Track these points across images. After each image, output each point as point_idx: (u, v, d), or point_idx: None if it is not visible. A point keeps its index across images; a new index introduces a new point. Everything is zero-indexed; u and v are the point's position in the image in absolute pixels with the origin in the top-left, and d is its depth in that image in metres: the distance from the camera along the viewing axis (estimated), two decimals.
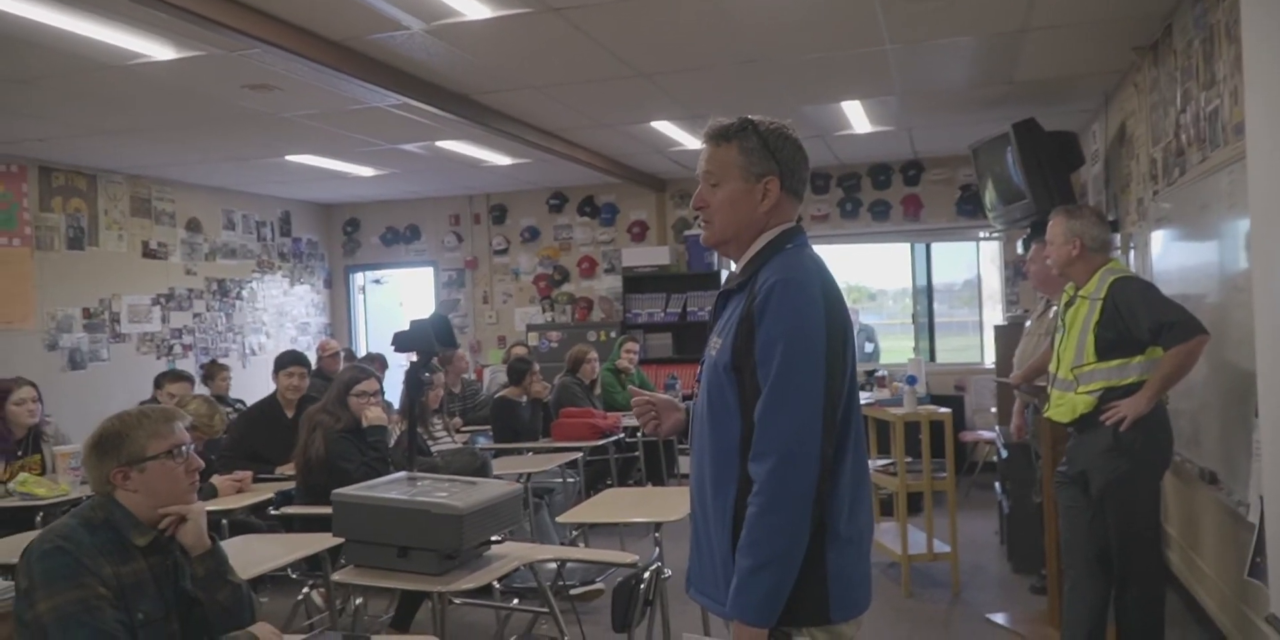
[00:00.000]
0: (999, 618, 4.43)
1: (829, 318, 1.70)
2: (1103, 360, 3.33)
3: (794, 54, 4.99)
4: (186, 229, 8.26)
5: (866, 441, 1.91)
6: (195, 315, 8.31)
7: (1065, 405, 3.44)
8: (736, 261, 1.90)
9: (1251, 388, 3.23)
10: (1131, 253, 5.60)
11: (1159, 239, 4.93)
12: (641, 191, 9.06)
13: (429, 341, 3.17)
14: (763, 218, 1.86)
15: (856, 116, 6.60)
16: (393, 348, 3.30)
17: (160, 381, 5.83)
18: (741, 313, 1.76)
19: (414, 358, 3.46)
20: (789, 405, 1.66)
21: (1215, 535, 3.98)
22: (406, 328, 3.28)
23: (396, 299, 10.42)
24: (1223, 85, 3.72)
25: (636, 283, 9.00)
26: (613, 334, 8.69)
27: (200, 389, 6.29)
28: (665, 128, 6.70)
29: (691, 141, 7.20)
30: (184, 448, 2.19)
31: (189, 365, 7.68)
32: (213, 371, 6.81)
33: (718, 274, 8.81)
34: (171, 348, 8.02)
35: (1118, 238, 5.70)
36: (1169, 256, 4.75)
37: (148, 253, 7.86)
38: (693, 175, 8.52)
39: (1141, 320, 3.21)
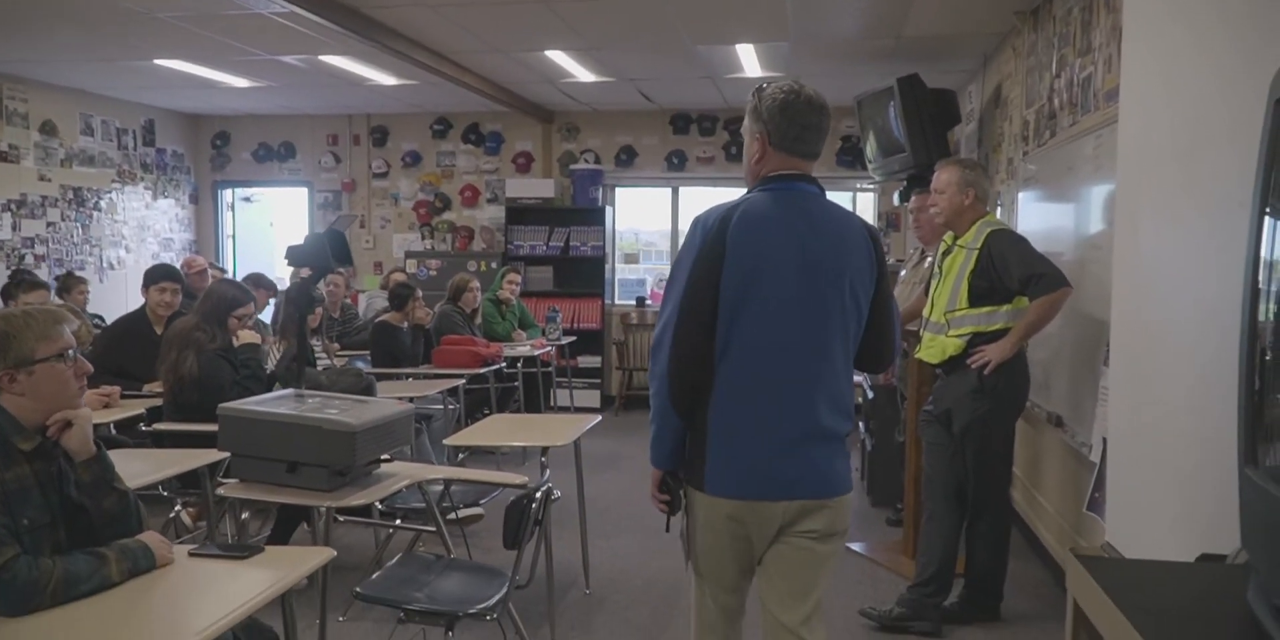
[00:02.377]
0: (858, 547, 4.70)
1: (704, 247, 2.11)
2: (974, 306, 3.53)
3: None
4: (41, 132, 7.72)
5: (796, 368, 2.16)
6: (49, 224, 7.82)
7: (936, 347, 3.64)
8: None
9: (1101, 338, 3.50)
10: (999, 210, 5.89)
11: (1025, 198, 5.21)
12: (528, 122, 8.94)
13: (325, 257, 3.10)
14: (755, 167, 2.25)
15: (749, 60, 6.66)
16: (286, 262, 3.21)
17: (12, 290, 5.51)
18: None
19: (304, 274, 3.38)
20: (662, 309, 2.18)
21: (1057, 474, 4.32)
22: (300, 242, 3.20)
23: (268, 218, 10.03)
24: (1098, 53, 3.93)
25: (519, 214, 8.92)
26: (493, 265, 8.64)
27: (54, 302, 5.97)
28: (559, 57, 6.61)
29: (584, 74, 7.13)
30: (72, 351, 2.12)
31: (42, 277, 7.24)
32: (69, 284, 6.44)
33: (602, 209, 8.83)
34: (23, 258, 7.55)
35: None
36: (1033, 215, 5.02)
37: None
38: (581, 108, 8.41)
39: (1013, 270, 3.42)
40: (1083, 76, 4.12)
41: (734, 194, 2.30)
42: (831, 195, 2.37)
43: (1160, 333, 2.26)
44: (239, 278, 5.94)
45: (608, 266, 9.03)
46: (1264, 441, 1.09)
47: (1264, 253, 1.09)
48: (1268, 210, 1.10)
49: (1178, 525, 2.05)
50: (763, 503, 2.13)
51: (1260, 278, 1.10)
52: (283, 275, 7.28)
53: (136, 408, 4.22)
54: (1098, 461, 3.38)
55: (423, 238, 9.26)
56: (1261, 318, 1.12)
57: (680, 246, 2.22)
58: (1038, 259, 3.47)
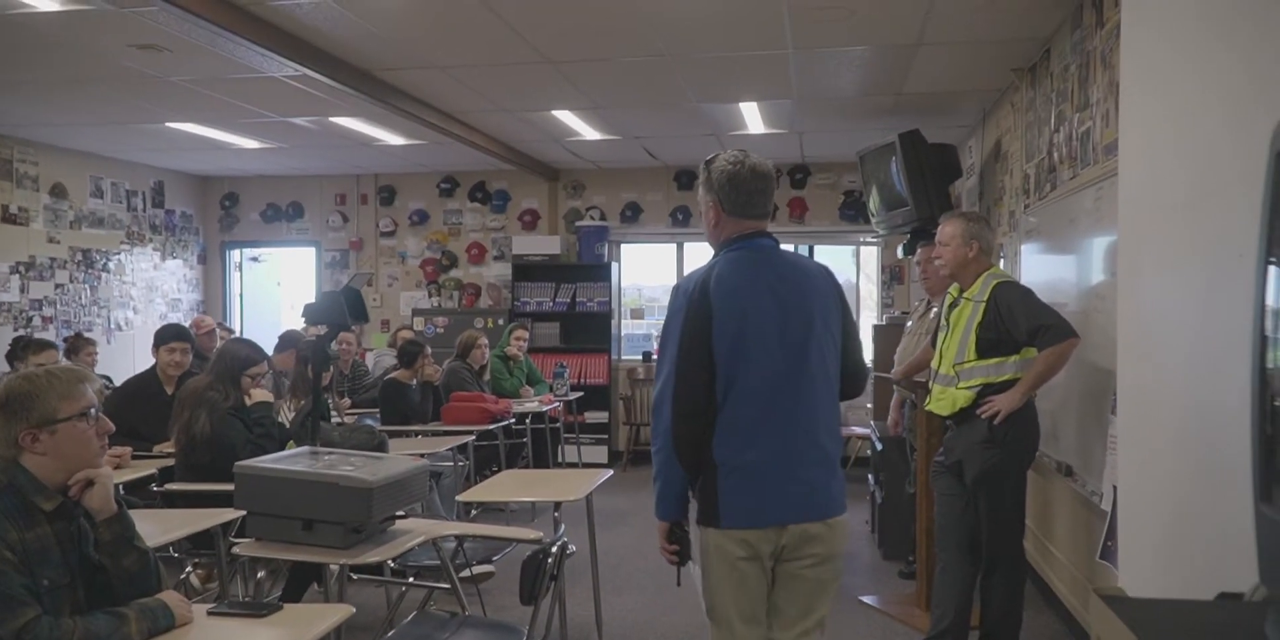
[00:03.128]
0: (870, 599, 4.66)
1: (690, 310, 2.32)
2: (982, 358, 3.55)
3: (700, 51, 5.11)
4: (51, 194, 7.83)
5: (789, 402, 2.37)
6: (58, 286, 7.89)
7: (946, 399, 3.65)
8: None
9: (1107, 387, 3.52)
10: (1002, 262, 5.94)
11: (1028, 250, 5.26)
12: (534, 180, 9.07)
13: (341, 314, 3.14)
14: (715, 231, 2.49)
15: (752, 117, 6.79)
16: (303, 320, 3.25)
17: (21, 352, 5.54)
18: None
19: (313, 332, 3.41)
20: (658, 375, 2.38)
21: (1068, 524, 4.30)
22: (314, 300, 3.24)
23: (275, 278, 10.10)
24: (1095, 108, 4.01)
25: (526, 271, 8.99)
26: (500, 321, 8.68)
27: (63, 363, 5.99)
28: (565, 116, 6.74)
29: (589, 132, 7.26)
30: (94, 410, 2.14)
31: (49, 338, 7.28)
32: (78, 345, 6.45)
33: (608, 266, 8.90)
34: (31, 319, 7.61)
35: None
36: (1036, 266, 5.07)
37: (7, 217, 7.42)
38: (586, 165, 8.52)
39: (1020, 322, 3.45)
40: (1081, 131, 4.21)
41: None
42: (835, 249, 2.53)
43: (1165, 381, 2.28)
44: (270, 338, 5.94)
45: (614, 322, 9.07)
46: (1278, 483, 1.14)
47: (1270, 301, 1.13)
48: (1272, 260, 1.14)
49: (1190, 570, 2.05)
50: (772, 528, 2.32)
51: (1268, 326, 1.14)
52: None
53: (147, 468, 4.22)
54: (1109, 510, 3.38)
55: (430, 295, 9.32)
56: (1270, 365, 1.16)
57: (666, 314, 2.43)
58: (1044, 310, 3.50)
